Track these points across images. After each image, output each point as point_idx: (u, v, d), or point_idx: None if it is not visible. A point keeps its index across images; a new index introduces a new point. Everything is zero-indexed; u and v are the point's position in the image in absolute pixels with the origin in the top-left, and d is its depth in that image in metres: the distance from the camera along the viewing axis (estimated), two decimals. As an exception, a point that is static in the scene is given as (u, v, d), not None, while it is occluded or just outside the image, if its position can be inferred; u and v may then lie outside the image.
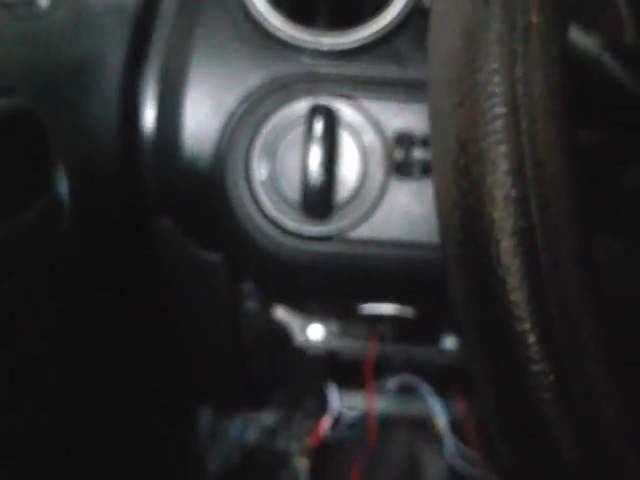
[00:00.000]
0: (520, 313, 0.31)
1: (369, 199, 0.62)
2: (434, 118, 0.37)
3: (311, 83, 0.63)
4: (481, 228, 0.33)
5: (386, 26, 0.65)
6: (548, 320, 0.31)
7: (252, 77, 0.64)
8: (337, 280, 0.65)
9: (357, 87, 0.63)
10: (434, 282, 0.63)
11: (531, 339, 0.31)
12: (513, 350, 0.32)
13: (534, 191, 0.32)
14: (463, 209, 0.33)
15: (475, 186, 0.33)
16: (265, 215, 0.62)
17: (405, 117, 0.62)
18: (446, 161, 0.35)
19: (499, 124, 0.33)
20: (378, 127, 0.62)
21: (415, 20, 0.65)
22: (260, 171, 0.62)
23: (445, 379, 0.92)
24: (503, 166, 0.33)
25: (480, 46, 0.34)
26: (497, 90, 0.34)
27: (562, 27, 0.35)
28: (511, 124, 0.33)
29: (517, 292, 0.31)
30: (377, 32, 0.65)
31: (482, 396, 0.35)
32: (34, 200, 0.57)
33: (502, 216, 0.32)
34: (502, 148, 0.33)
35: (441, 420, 0.94)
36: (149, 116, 0.66)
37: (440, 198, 0.35)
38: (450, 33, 0.36)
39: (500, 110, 0.33)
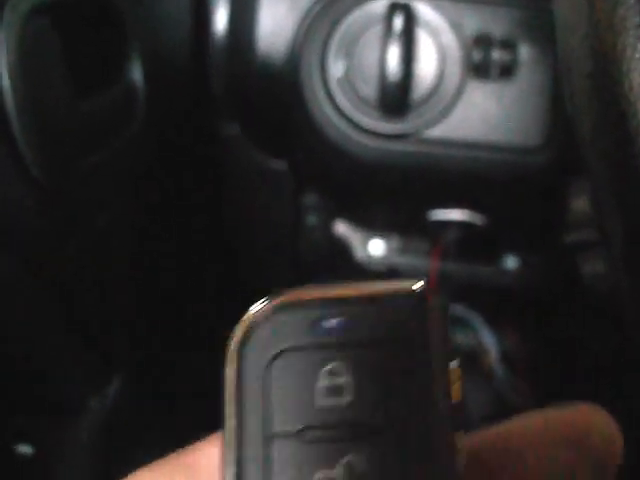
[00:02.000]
0: None
1: (446, 99, 0.61)
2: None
3: (389, -19, 0.62)
4: (612, 57, 0.32)
5: None
6: None
7: (329, -25, 0.63)
8: (410, 180, 0.64)
9: (436, -13, 0.62)
10: (508, 185, 0.62)
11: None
12: (643, 179, 0.31)
13: None
14: (593, 40, 0.33)
15: (606, 16, 0.32)
16: (340, 112, 0.61)
17: (485, 18, 0.61)
18: (575, -7, 0.34)
19: None
20: (457, 27, 0.61)
21: None
22: (336, 68, 0.61)
23: (499, 308, 0.91)
24: None
25: None
26: None
27: None
28: None
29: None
30: None
31: (607, 238, 0.34)
32: (112, 83, 0.57)
33: (634, 44, 0.32)
34: None
35: (492, 352, 0.93)
36: (221, 14, 0.65)
37: (567, 32, 0.35)
38: None
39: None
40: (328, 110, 0.62)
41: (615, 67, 0.32)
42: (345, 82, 0.61)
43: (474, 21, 0.61)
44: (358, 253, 0.80)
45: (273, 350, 0.24)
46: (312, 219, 0.78)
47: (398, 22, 0.60)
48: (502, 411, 0.93)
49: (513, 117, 0.61)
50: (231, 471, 0.23)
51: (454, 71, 0.61)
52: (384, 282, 0.25)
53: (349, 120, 0.61)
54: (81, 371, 0.58)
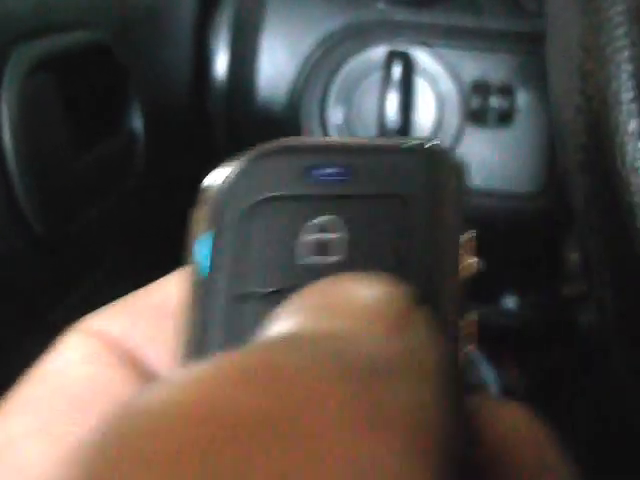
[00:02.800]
0: None
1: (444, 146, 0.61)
2: (555, 27, 0.36)
3: (388, 30, 0.63)
4: (605, 132, 0.32)
5: (464, -25, 0.64)
6: None
7: (328, 22, 0.64)
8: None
9: (434, 35, 0.63)
10: (505, 231, 0.62)
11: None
12: (636, 253, 0.31)
13: None
14: (587, 113, 0.33)
15: (599, 90, 0.33)
16: (339, 159, 0.62)
17: (482, 66, 0.62)
18: (569, 67, 0.34)
19: (622, 30, 0.33)
20: (455, 75, 0.62)
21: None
22: (336, 115, 0.62)
23: (499, 344, 0.91)
24: (628, 70, 0.32)
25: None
26: None
27: None
28: (635, 29, 0.33)
29: (643, 194, 0.31)
30: (454, -19, 0.64)
31: (600, 305, 0.34)
32: (112, 134, 0.57)
33: (627, 119, 0.32)
34: (626, 53, 0.33)
35: (492, 387, 0.93)
36: (221, 61, 0.66)
37: (561, 104, 0.35)
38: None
39: (623, 18, 0.33)
40: (327, 157, 0.62)
41: (607, 141, 0.32)
42: (344, 129, 0.62)
43: (472, 68, 0.62)
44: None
45: (255, 197, 0.20)
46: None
47: (397, 70, 0.60)
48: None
49: (511, 163, 0.61)
50: (193, 333, 0.19)
51: (452, 118, 0.61)
52: (390, 138, 0.22)
53: (348, 167, 0.61)
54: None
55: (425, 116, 0.61)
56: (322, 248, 0.19)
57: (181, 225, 0.63)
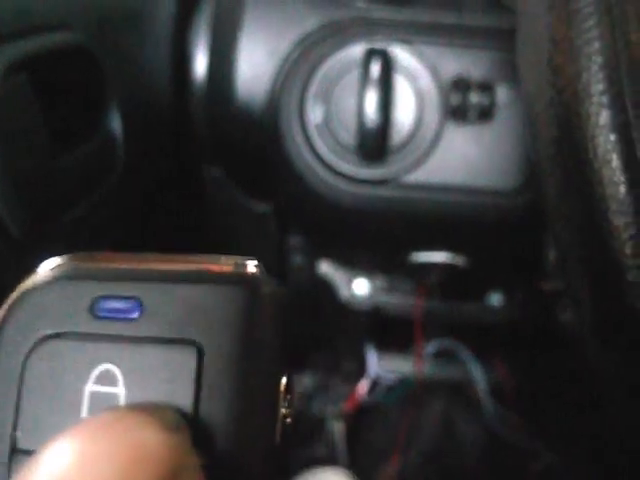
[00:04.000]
0: (618, 207, 0.31)
1: (424, 143, 0.61)
2: (525, 21, 0.36)
3: (366, 27, 0.63)
4: (577, 124, 0.32)
5: (442, -29, 0.64)
6: None
7: (307, 21, 0.64)
8: (391, 225, 0.64)
9: (413, 31, 0.63)
10: (488, 228, 0.62)
11: (628, 233, 0.31)
12: (609, 245, 0.31)
13: (629, 87, 0.32)
14: (558, 106, 0.33)
15: (570, 83, 0.33)
16: (319, 158, 0.62)
17: (462, 62, 0.62)
18: (540, 61, 0.34)
19: (592, 22, 0.33)
20: (434, 72, 0.62)
21: (472, -34, 0.64)
22: (315, 114, 0.62)
23: (486, 342, 0.91)
24: (598, 62, 0.32)
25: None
26: None
27: None
28: (604, 21, 0.32)
29: (615, 186, 0.31)
30: (433, -22, 0.64)
31: (575, 300, 0.34)
32: (90, 135, 0.57)
33: (598, 111, 0.32)
34: (596, 44, 0.32)
35: (481, 384, 0.93)
36: (201, 61, 0.66)
37: (532, 98, 0.35)
38: None
39: (592, 9, 0.33)
40: (307, 156, 0.62)
41: (579, 134, 0.32)
42: (324, 128, 0.61)
43: (451, 64, 0.62)
44: (343, 292, 0.80)
45: (38, 333, 0.19)
46: (297, 259, 0.78)
47: (375, 68, 0.60)
48: (492, 444, 0.92)
49: (492, 160, 0.61)
50: None
51: (432, 115, 0.61)
52: (205, 257, 0.20)
53: (328, 166, 0.61)
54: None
55: (405, 114, 0.61)
56: (101, 402, 0.18)
57: (164, 218, 0.62)
